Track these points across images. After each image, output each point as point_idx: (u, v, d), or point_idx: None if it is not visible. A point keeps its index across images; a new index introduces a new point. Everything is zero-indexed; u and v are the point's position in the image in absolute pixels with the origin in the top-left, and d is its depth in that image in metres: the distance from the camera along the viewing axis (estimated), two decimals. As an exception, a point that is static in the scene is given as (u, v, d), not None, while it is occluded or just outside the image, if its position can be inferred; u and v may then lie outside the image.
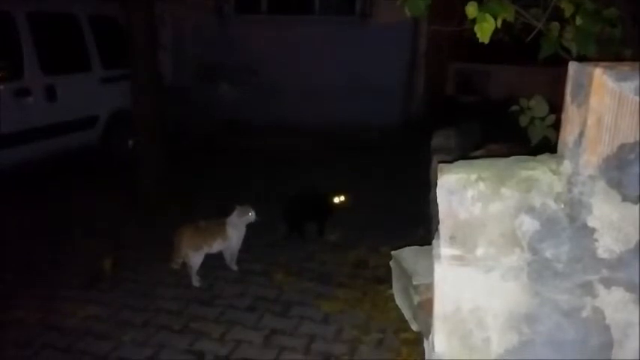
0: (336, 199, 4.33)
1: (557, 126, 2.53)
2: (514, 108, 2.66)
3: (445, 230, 1.25)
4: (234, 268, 3.79)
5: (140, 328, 3.08)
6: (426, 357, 1.66)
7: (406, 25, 8.56)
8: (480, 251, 1.22)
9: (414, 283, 1.59)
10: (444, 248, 1.27)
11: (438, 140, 3.63)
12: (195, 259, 3.54)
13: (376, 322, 3.13)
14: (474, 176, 1.19)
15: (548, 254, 1.15)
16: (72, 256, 3.97)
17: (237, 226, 3.68)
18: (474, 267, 1.23)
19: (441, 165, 1.28)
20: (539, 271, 1.17)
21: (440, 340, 1.32)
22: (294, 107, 8.07)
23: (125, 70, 6.09)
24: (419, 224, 4.41)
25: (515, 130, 2.28)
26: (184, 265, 3.63)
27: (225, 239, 3.67)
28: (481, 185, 1.19)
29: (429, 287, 1.59)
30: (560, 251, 1.15)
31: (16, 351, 2.88)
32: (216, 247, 3.66)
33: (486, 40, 1.65)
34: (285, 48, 8.48)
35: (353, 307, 3.30)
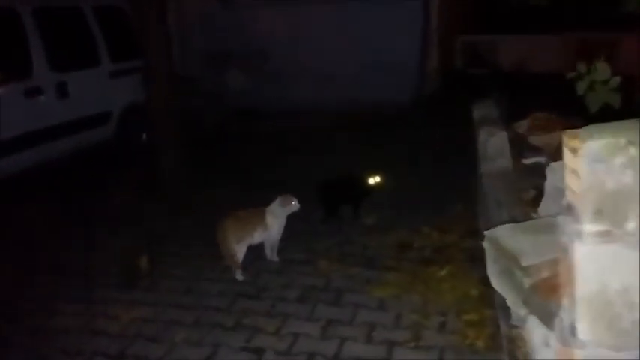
0: (372, 181, 4.18)
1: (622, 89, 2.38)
2: (571, 74, 2.50)
3: (588, 204, 1.11)
4: (275, 259, 3.66)
5: (191, 327, 2.95)
6: (536, 344, 1.54)
7: (417, 1, 8.37)
8: (630, 225, 1.09)
9: (524, 264, 1.47)
10: (586, 224, 1.13)
11: (480, 111, 3.48)
12: (240, 251, 3.41)
13: (434, 305, 3.01)
14: (622, 141, 1.06)
15: None
16: (103, 256, 3.84)
17: (278, 216, 3.55)
18: (622, 243, 1.11)
19: (577, 131, 1.15)
20: None
21: (583, 325, 1.19)
22: (310, 90, 7.93)
23: (135, 62, 5.94)
24: (456, 201, 4.27)
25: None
26: (221, 258, 3.50)
27: (265, 229, 3.54)
28: (632, 150, 1.05)
29: (542, 267, 1.47)
30: None
31: (67, 360, 2.76)
32: (257, 237, 3.53)
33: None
34: (295, 31, 8.32)
35: (406, 291, 3.17)
